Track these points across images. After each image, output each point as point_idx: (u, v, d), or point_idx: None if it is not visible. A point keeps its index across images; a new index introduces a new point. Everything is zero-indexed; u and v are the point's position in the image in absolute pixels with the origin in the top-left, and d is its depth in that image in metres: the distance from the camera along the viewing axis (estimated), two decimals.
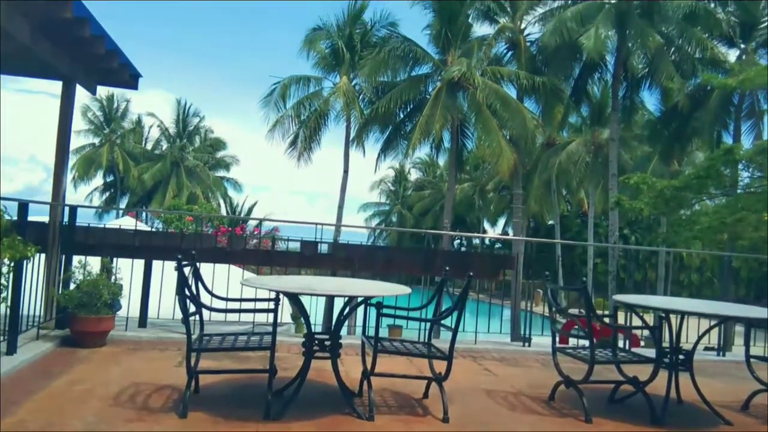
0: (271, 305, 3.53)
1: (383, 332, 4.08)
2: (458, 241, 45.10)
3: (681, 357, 4.07)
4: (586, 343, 3.97)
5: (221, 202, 41.05)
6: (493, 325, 6.79)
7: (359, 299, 3.88)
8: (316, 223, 6.34)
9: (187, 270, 3.64)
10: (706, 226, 13.53)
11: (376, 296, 3.69)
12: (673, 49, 19.45)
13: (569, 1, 20.16)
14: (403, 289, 3.77)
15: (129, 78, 5.51)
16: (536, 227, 41.60)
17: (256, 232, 15.56)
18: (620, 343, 6.94)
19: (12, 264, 4.06)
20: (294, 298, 3.66)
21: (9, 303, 4.09)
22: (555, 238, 34.08)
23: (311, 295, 3.70)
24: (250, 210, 39.92)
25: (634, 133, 26.20)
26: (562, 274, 32.82)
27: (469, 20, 21.64)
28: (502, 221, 44.91)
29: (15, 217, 4.44)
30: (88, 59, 5.01)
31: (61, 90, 5.35)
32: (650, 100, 22.81)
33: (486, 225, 46.33)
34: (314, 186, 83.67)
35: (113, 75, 5.43)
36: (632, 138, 27.28)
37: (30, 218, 4.56)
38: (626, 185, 16.23)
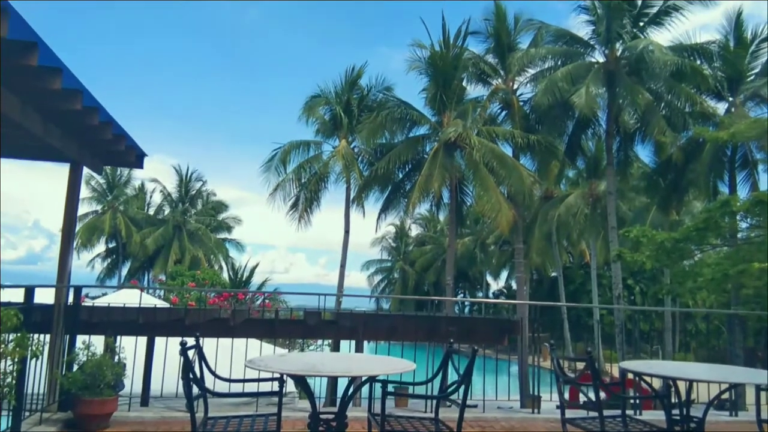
0: (275, 386, 3.52)
1: (390, 402, 4.04)
2: (461, 295, 44.83)
3: (692, 425, 4.02)
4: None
5: (223, 264, 40.93)
6: (500, 381, 6.63)
7: (364, 378, 3.86)
8: (319, 294, 6.38)
9: (191, 352, 3.65)
10: (710, 278, 13.50)
11: (381, 375, 3.68)
12: (663, 104, 19.99)
13: (559, 63, 20.83)
14: (408, 366, 3.77)
15: (135, 159, 5.63)
16: (539, 279, 41.43)
17: (258, 296, 15.58)
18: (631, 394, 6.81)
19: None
20: (299, 379, 3.65)
21: (14, 394, 4.06)
22: (558, 289, 33.92)
23: (316, 376, 3.69)
24: (252, 271, 39.75)
25: (631, 185, 26.51)
26: (568, 328, 32.50)
27: (463, 83, 22.30)
28: (504, 273, 44.76)
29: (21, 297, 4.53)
30: (96, 144, 5.14)
31: (68, 172, 5.48)
32: (644, 153, 23.14)
33: (489, 278, 46.18)
34: (316, 243, 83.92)
35: (119, 156, 5.53)
36: (629, 189, 27.56)
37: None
38: (626, 238, 16.29)
